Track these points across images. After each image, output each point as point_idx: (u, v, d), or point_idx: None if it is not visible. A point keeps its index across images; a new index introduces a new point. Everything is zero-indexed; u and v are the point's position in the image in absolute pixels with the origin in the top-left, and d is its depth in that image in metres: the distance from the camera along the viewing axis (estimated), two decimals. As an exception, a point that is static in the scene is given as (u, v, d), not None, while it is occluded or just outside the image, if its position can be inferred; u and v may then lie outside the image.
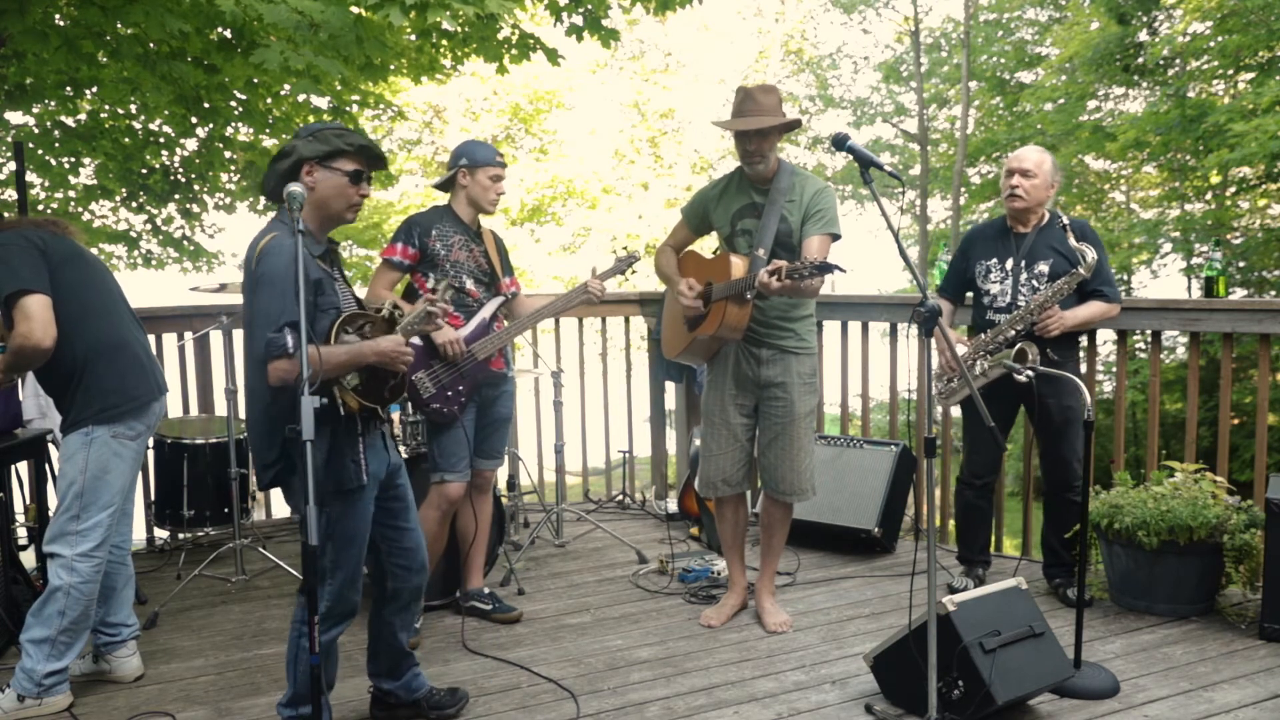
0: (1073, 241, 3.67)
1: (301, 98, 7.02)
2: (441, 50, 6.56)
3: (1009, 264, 3.84)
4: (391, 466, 2.79)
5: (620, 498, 5.76)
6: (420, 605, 3.02)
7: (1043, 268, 3.77)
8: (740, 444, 3.71)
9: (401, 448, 4.04)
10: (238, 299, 4.36)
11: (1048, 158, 3.83)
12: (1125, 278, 15.17)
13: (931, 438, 2.73)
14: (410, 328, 2.72)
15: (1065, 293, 3.70)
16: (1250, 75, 12.35)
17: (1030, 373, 3.48)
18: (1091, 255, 3.65)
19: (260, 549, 4.46)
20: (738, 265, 3.46)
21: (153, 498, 4.57)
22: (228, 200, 9.75)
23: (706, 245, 4.05)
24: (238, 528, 4.32)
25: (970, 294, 4.04)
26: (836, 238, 3.51)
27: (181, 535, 4.78)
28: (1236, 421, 9.71)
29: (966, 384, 3.32)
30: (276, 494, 5.28)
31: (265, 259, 2.48)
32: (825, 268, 3.12)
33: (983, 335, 3.85)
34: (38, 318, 2.89)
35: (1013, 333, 3.74)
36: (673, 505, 5.32)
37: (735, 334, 3.52)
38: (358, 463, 2.60)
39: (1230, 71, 12.69)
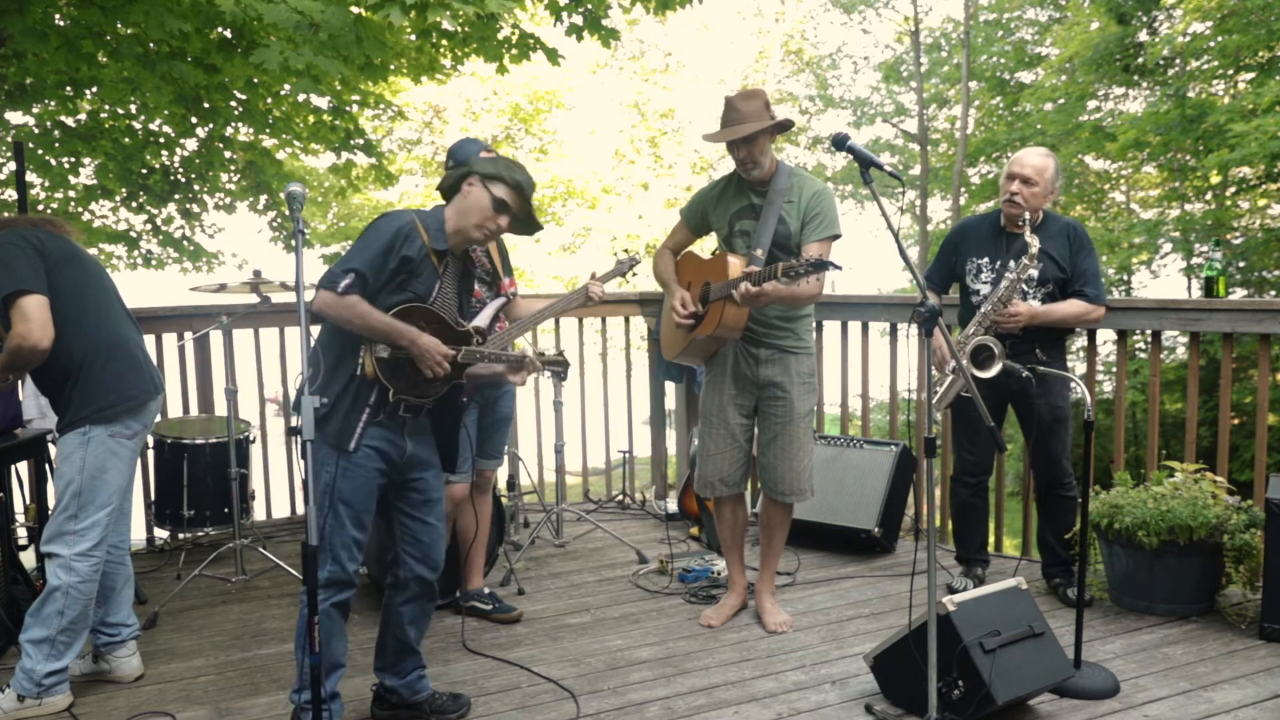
0: (1027, 234, 3.66)
1: (301, 98, 7.04)
2: (441, 50, 6.57)
3: (998, 264, 3.83)
4: (408, 455, 2.81)
5: (620, 498, 5.76)
6: (433, 606, 3.04)
7: (1031, 272, 3.75)
8: (739, 444, 3.71)
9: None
10: (238, 299, 4.38)
11: (1051, 163, 3.76)
12: (1125, 278, 15.18)
13: (931, 438, 2.73)
14: (477, 355, 2.82)
15: (1015, 285, 3.68)
16: (1250, 75, 12.36)
17: (997, 370, 3.50)
18: (1035, 244, 3.63)
19: (260, 549, 4.46)
20: (735, 265, 3.47)
21: (153, 498, 4.57)
22: (228, 200, 9.76)
23: (706, 245, 4.05)
24: (238, 528, 4.32)
25: (958, 290, 4.04)
26: (836, 238, 3.51)
27: (181, 535, 4.78)
28: (1236, 421, 9.72)
29: (966, 382, 3.32)
30: (277, 493, 5.28)
31: (379, 218, 2.72)
32: (821, 265, 3.12)
33: (954, 339, 3.85)
34: (35, 318, 2.89)
35: (983, 336, 3.74)
36: (673, 505, 5.32)
37: (733, 334, 3.53)
38: (352, 429, 2.67)
39: (1230, 71, 12.70)
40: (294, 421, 4.60)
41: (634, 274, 4.12)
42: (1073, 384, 3.48)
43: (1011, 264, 3.74)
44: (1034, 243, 3.63)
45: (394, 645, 2.96)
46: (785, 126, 3.52)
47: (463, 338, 2.81)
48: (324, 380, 2.68)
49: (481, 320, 3.67)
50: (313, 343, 2.53)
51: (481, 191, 2.77)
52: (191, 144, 8.41)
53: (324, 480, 2.64)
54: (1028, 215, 3.67)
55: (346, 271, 2.59)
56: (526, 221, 2.90)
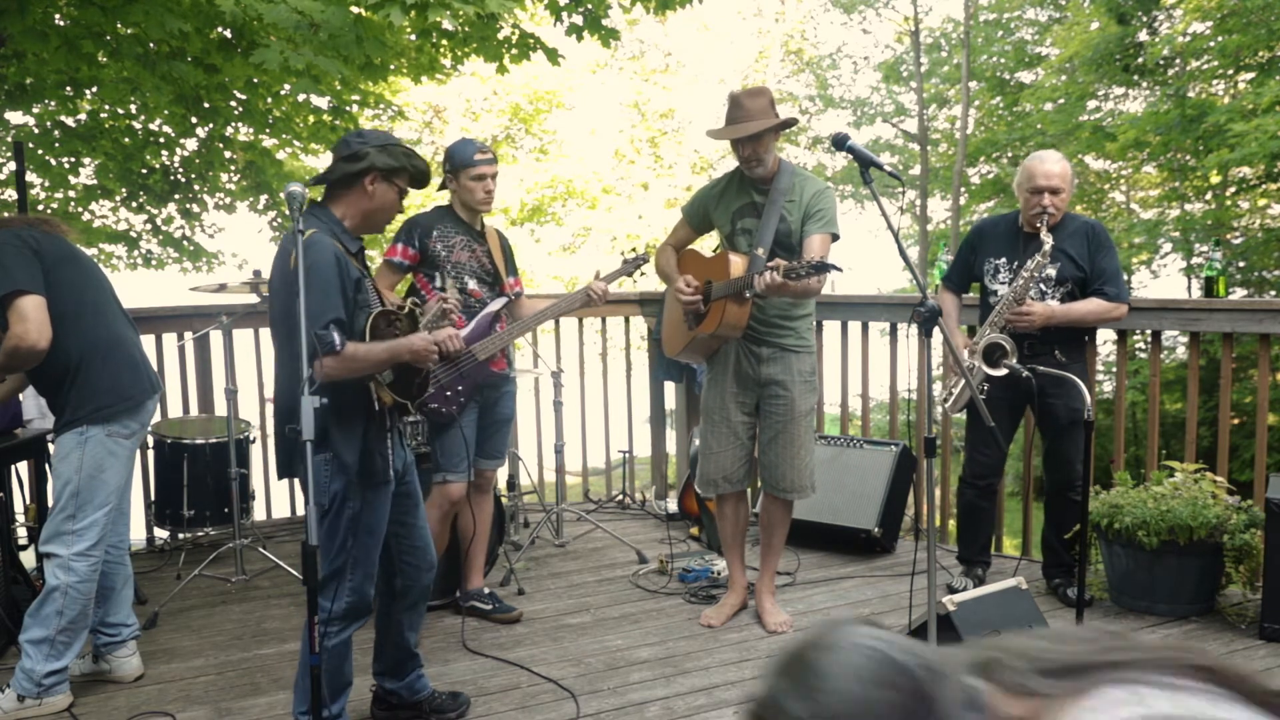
0: (1043, 233, 3.67)
1: (301, 98, 7.02)
2: (441, 50, 6.56)
3: (1016, 264, 3.83)
4: (406, 463, 2.83)
5: (620, 498, 5.76)
6: (426, 604, 3.04)
7: (1049, 271, 3.76)
8: (740, 441, 3.71)
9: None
10: (238, 299, 4.38)
11: (1068, 165, 3.78)
12: (1125, 278, 15.16)
13: (931, 438, 2.73)
14: (431, 325, 2.82)
15: (1029, 285, 3.69)
16: (1250, 75, 12.35)
17: (1006, 369, 3.50)
18: (1049, 241, 3.64)
19: (260, 549, 4.46)
20: (737, 264, 3.47)
21: (153, 498, 4.57)
22: (228, 200, 9.76)
23: (706, 245, 4.05)
24: (238, 528, 4.32)
25: (977, 290, 4.04)
26: (836, 238, 3.52)
27: (181, 535, 4.78)
28: (1236, 421, 9.71)
29: (966, 384, 3.32)
30: (277, 493, 5.28)
31: (309, 254, 2.46)
32: (823, 267, 3.13)
33: (968, 337, 3.86)
34: (33, 318, 2.89)
35: (993, 333, 3.74)
36: (673, 505, 5.31)
37: (735, 332, 3.53)
38: (385, 457, 2.65)
39: (1230, 71, 12.69)
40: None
41: (641, 273, 4.11)
42: (1079, 386, 3.48)
43: (1028, 263, 3.74)
44: (1048, 240, 3.64)
45: (393, 651, 2.96)
46: (790, 124, 3.54)
47: (410, 316, 2.74)
48: (340, 431, 2.56)
49: (484, 320, 3.69)
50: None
51: (388, 188, 2.66)
52: (191, 144, 8.40)
53: (347, 515, 2.60)
54: (1047, 217, 3.69)
55: (329, 325, 2.43)
56: (421, 185, 2.83)
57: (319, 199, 2.69)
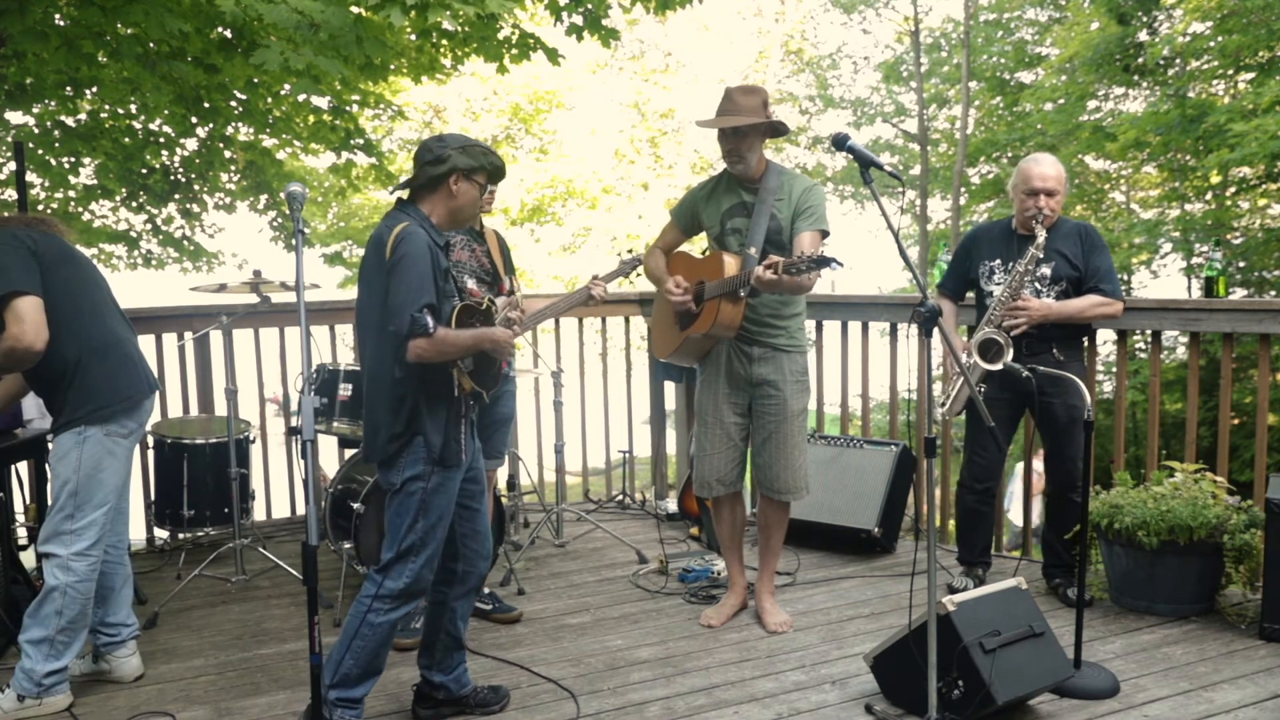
0: (1038, 230, 3.70)
1: (301, 98, 7.03)
2: (441, 50, 6.57)
3: (1010, 265, 3.84)
4: (475, 450, 2.92)
5: (620, 498, 5.76)
6: (477, 595, 3.12)
7: (1044, 270, 3.77)
8: (734, 443, 3.71)
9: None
10: (238, 299, 4.38)
11: (1062, 168, 3.83)
12: (1125, 278, 15.17)
13: (931, 438, 2.73)
14: (504, 319, 2.95)
15: (1023, 280, 3.72)
16: (1250, 75, 12.35)
17: (1004, 366, 3.51)
18: (1041, 235, 3.68)
19: (260, 549, 4.46)
20: (730, 264, 3.48)
21: (153, 498, 4.57)
22: (228, 200, 9.77)
23: (694, 249, 4.05)
24: (238, 528, 4.32)
25: (972, 295, 4.05)
26: (826, 234, 3.52)
27: (181, 535, 4.78)
28: (1236, 421, 9.70)
29: (965, 382, 3.32)
30: (277, 493, 5.27)
31: (403, 244, 2.64)
32: (823, 262, 3.13)
33: (966, 339, 3.87)
34: (29, 319, 2.88)
35: (989, 330, 3.75)
36: (672, 505, 5.31)
37: (729, 332, 3.53)
38: (459, 442, 2.77)
39: (1230, 71, 12.69)
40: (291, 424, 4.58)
41: (637, 274, 4.13)
42: (1078, 385, 3.48)
43: (1022, 258, 3.76)
44: (1041, 234, 3.69)
45: (446, 641, 3.00)
46: (779, 130, 3.53)
47: (486, 312, 2.86)
48: (411, 414, 2.68)
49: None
50: (313, 356, 2.57)
51: (470, 186, 2.80)
52: (191, 144, 8.41)
53: (418, 495, 2.70)
54: (1043, 217, 3.72)
55: (423, 310, 2.58)
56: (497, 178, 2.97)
57: (404, 199, 2.82)
